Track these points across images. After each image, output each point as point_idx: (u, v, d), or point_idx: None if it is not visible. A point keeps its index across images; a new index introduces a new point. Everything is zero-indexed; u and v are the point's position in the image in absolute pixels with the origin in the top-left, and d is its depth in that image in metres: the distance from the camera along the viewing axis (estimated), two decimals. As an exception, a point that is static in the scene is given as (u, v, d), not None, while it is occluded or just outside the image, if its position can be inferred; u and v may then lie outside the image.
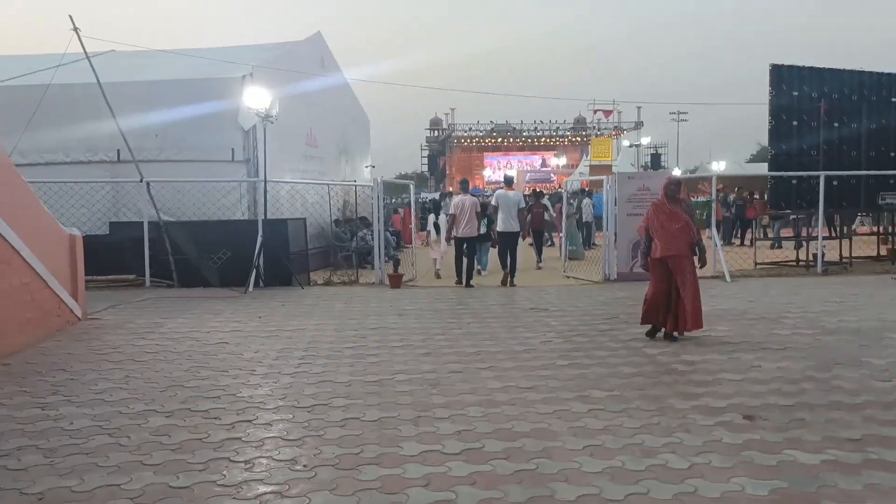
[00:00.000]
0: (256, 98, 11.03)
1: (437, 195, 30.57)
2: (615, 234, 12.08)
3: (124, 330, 7.94)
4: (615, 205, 12.03)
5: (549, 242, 19.58)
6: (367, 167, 21.34)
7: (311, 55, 16.36)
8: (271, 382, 5.60)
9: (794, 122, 13.82)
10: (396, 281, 11.66)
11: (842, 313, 8.39)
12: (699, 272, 7.25)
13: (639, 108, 66.59)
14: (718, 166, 37.61)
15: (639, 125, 66.11)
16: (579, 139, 63.85)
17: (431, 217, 14.35)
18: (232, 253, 11.77)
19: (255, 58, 13.95)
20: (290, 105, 14.60)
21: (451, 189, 52.72)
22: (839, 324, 7.74)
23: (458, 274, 11.95)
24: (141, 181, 11.87)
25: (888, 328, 7.45)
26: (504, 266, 12.04)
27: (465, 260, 11.76)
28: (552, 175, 62.56)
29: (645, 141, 42.73)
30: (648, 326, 7.31)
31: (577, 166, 53.66)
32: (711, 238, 12.35)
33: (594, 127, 63.74)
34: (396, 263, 11.76)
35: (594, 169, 36.03)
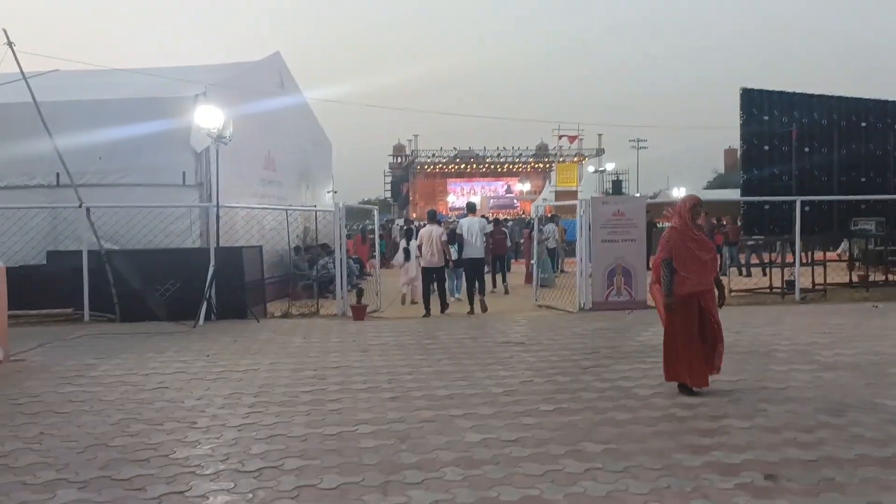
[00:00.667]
0: (208, 117, 10.28)
1: (401, 221, 29.92)
2: (589, 261, 11.53)
3: (49, 374, 7.03)
4: (589, 230, 11.51)
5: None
6: (328, 192, 20.60)
7: (269, 75, 15.66)
8: (213, 438, 4.82)
9: (766, 147, 13.61)
10: (360, 313, 10.91)
11: (835, 346, 7.91)
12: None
13: (600, 135, 67.52)
14: (679, 192, 37.83)
15: (600, 152, 66.84)
16: (542, 165, 64.22)
17: (402, 242, 14.03)
18: (181, 284, 10.88)
19: (209, 77, 13.20)
20: (247, 126, 13.85)
21: (414, 215, 52.21)
22: (835, 358, 7.24)
23: (426, 304, 11.68)
24: (80, 206, 10.95)
25: (888, 362, 6.97)
26: (470, 294, 11.87)
27: (432, 290, 11.69)
28: (515, 201, 62.64)
29: (609, 167, 42.71)
30: (675, 384, 5.98)
31: (540, 192, 53.83)
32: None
33: (556, 154, 64.26)
34: (360, 294, 11.01)
35: (560, 195, 35.81)
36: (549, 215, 29.77)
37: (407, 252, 13.52)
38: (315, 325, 10.36)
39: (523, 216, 41.09)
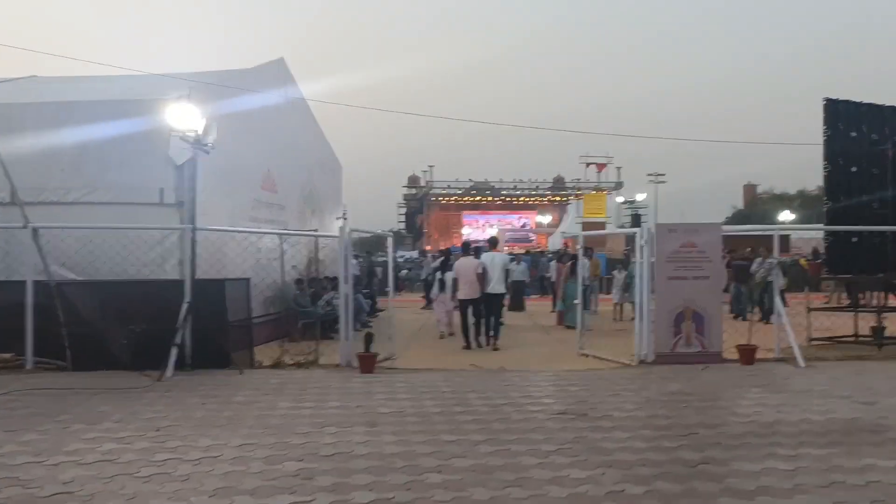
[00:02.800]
0: (183, 117, 8.29)
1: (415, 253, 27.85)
2: (652, 302, 9.36)
3: (-83, 461, 4.92)
4: (650, 265, 9.35)
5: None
6: (338, 219, 18.55)
7: (270, 83, 13.74)
8: None
9: (854, 169, 11.47)
10: (368, 363, 8.76)
11: None
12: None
13: (619, 168, 65.58)
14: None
15: (619, 185, 64.80)
16: (559, 198, 62.32)
17: (437, 274, 13.82)
18: (150, 323, 8.80)
19: (197, 80, 11.30)
20: (242, 139, 11.92)
21: (429, 248, 50.22)
22: None
23: (466, 338, 11.68)
24: (24, 227, 8.96)
25: None
26: (487, 327, 11.81)
27: (469, 322, 11.67)
28: (531, 235, 60.58)
29: (640, 197, 40.60)
30: None
31: (558, 225, 51.71)
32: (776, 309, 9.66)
33: (574, 187, 62.30)
34: (368, 340, 8.85)
35: (587, 226, 33.67)
36: (567, 249, 27.70)
37: (442, 283, 13.07)
38: (311, 380, 8.21)
39: (539, 249, 39.00)
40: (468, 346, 11.45)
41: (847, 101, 11.51)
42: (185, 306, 8.56)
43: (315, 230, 13.16)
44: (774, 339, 9.58)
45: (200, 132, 8.47)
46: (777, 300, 9.55)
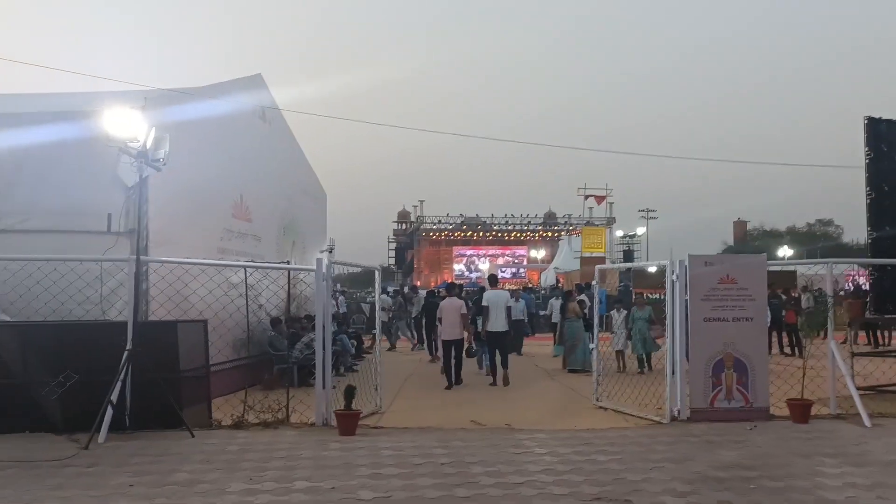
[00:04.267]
0: (124, 125, 6.84)
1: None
2: (686, 347, 7.92)
3: None
4: (681, 304, 7.94)
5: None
6: (322, 252, 17.09)
7: (244, 100, 12.41)
8: None
9: (901, 193, 10.21)
10: (349, 424, 7.22)
11: None
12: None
13: (611, 203, 64.60)
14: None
15: (611, 221, 63.80)
16: (550, 234, 61.30)
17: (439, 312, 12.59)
18: (85, 375, 7.27)
19: (161, 98, 9.95)
20: (210, 159, 10.55)
21: (418, 283, 48.71)
22: None
23: (448, 377, 11.56)
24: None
25: None
26: (493, 365, 12.04)
27: (452, 363, 11.56)
28: (521, 270, 59.26)
29: (640, 231, 39.33)
30: None
31: (551, 261, 50.42)
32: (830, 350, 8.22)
33: (566, 221, 61.28)
34: (349, 394, 7.31)
35: (585, 261, 32.33)
36: (560, 286, 26.21)
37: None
38: (278, 446, 6.67)
39: (525, 286, 37.58)
40: (450, 387, 11.46)
41: (891, 121, 10.29)
42: (125, 355, 7.04)
43: (288, 262, 11.59)
44: (830, 389, 8.15)
45: (148, 144, 7.03)
46: (832, 343, 8.13)
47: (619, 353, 13.36)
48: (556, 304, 17.08)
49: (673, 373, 7.90)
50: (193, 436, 6.99)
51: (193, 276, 8.82)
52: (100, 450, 6.49)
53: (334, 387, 9.73)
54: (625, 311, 13.66)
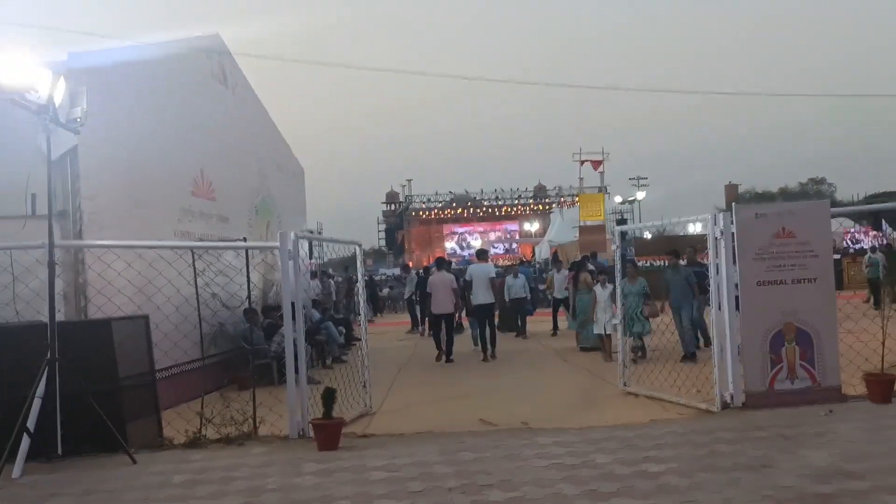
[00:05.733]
0: (16, 72, 5.29)
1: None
2: (734, 318, 6.54)
3: None
4: (727, 267, 6.54)
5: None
6: (303, 232, 15.53)
7: (200, 63, 10.84)
8: None
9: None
10: (329, 436, 5.81)
11: None
12: None
13: (601, 173, 62.98)
14: (695, 227, 31.63)
15: (602, 190, 62.30)
16: (542, 207, 59.84)
17: None
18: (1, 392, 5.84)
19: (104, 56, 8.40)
20: (160, 128, 9.04)
21: (411, 263, 47.36)
22: None
23: (438, 347, 11.80)
24: None
25: None
26: (482, 340, 11.89)
27: (441, 337, 11.72)
28: (514, 244, 57.87)
29: (640, 196, 37.76)
30: None
31: (544, 235, 49.01)
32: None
33: (557, 194, 59.72)
34: (328, 398, 5.87)
35: (584, 230, 30.90)
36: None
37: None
38: (238, 472, 5.24)
39: (521, 260, 36.19)
40: (439, 358, 11.64)
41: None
42: (44, 367, 5.58)
43: (245, 239, 10.01)
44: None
45: (56, 99, 5.52)
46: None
47: (606, 338, 10.65)
48: (558, 277, 15.62)
49: (722, 350, 6.52)
50: (135, 461, 5.56)
51: (149, 263, 7.33)
52: (12, 488, 5.08)
53: (318, 383, 8.40)
54: (610, 286, 10.35)
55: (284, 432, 6.26)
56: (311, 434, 6.01)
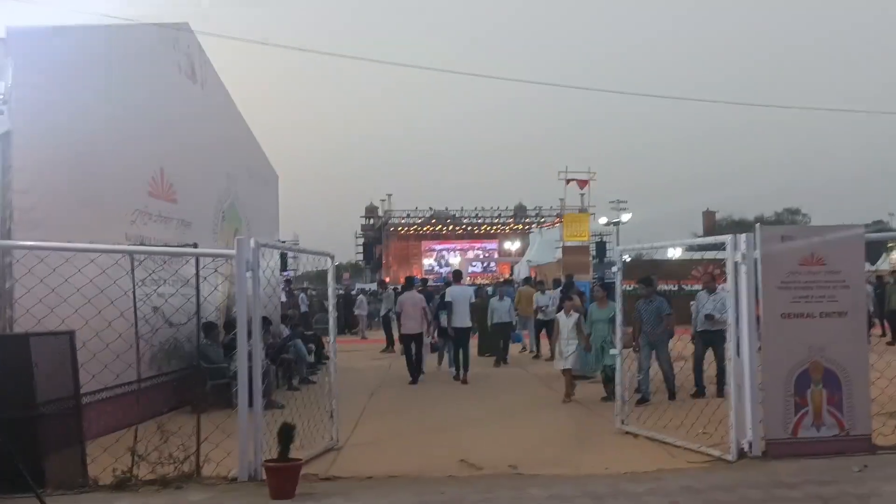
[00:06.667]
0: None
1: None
2: (752, 354, 5.75)
3: None
4: (748, 295, 5.76)
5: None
6: (277, 242, 14.57)
7: (165, 53, 9.94)
8: None
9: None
10: (284, 481, 4.88)
11: None
12: None
13: (582, 194, 62.55)
14: (674, 251, 30.87)
15: (585, 209, 61.82)
16: (521, 227, 59.31)
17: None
18: None
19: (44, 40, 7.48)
20: (113, 121, 8.11)
21: (387, 279, 46.39)
22: None
23: (410, 371, 11.31)
24: None
25: None
26: (457, 362, 11.58)
27: (411, 356, 11.40)
28: (493, 264, 57.18)
29: (625, 218, 37.07)
30: None
31: (522, 255, 48.35)
32: None
33: (536, 213, 59.22)
34: (287, 436, 4.96)
35: (568, 250, 30.20)
36: (534, 278, 23.94)
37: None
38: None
39: (506, 279, 35.42)
40: (413, 382, 11.15)
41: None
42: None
43: (195, 245, 8.99)
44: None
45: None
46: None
47: (566, 373, 9.21)
48: (541, 299, 14.74)
49: (740, 390, 5.72)
50: (48, 508, 4.60)
51: (102, 269, 6.34)
52: None
53: (281, 407, 7.52)
54: (575, 315, 9.37)
55: (233, 472, 5.32)
56: (262, 477, 5.09)
